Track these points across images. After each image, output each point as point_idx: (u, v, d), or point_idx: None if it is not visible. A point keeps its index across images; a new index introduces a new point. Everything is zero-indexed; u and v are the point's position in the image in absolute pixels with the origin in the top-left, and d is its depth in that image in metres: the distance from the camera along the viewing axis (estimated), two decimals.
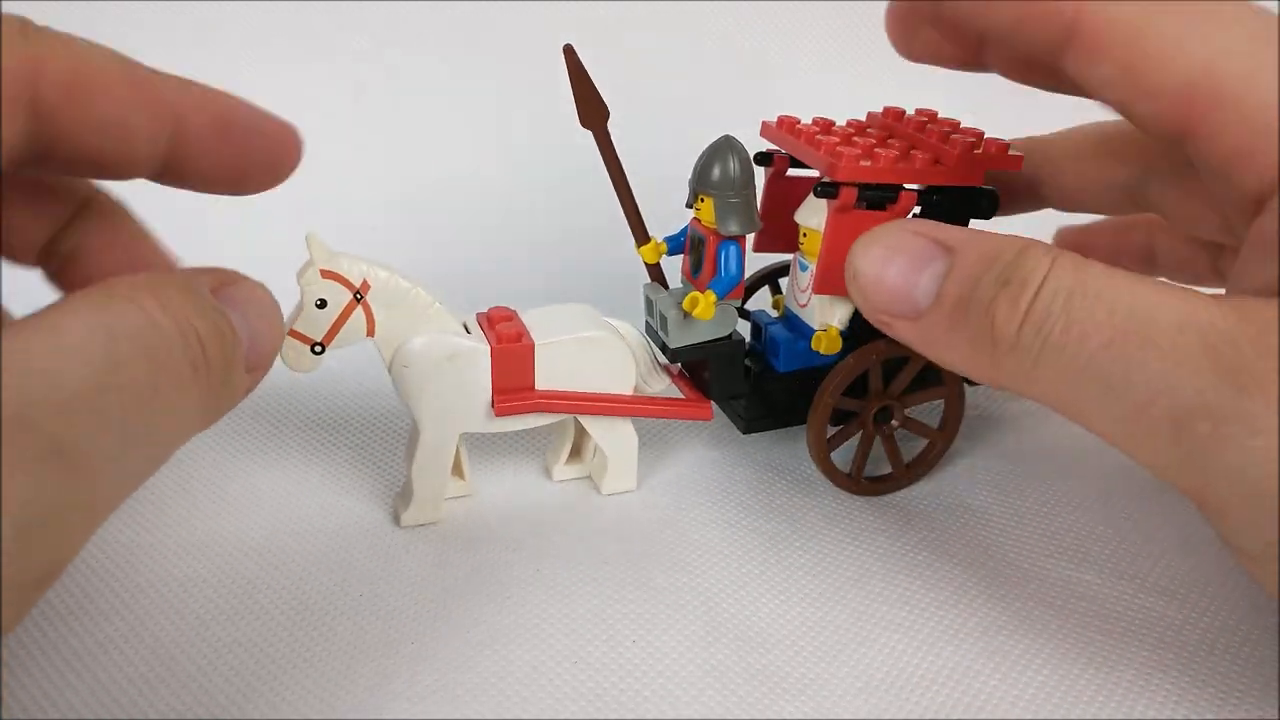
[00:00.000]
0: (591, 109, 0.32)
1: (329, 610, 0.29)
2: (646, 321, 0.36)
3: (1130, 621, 0.30)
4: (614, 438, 0.35)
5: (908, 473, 0.36)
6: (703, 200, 0.32)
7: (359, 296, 0.30)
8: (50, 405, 0.19)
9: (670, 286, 0.35)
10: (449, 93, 0.58)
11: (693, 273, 0.34)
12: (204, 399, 0.22)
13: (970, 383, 0.36)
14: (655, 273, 0.35)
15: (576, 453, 0.36)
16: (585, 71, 0.31)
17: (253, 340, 0.24)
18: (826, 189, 0.31)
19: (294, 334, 0.30)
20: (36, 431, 0.19)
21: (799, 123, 0.34)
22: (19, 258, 0.27)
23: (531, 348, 0.32)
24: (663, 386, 0.35)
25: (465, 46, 0.58)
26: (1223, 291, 0.26)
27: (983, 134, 0.33)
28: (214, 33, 0.55)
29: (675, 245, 0.35)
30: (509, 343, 0.32)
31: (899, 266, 0.27)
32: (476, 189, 0.56)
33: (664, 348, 0.34)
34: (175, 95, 0.25)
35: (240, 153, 0.26)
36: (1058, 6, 0.25)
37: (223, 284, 0.24)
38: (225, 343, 0.23)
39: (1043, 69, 0.28)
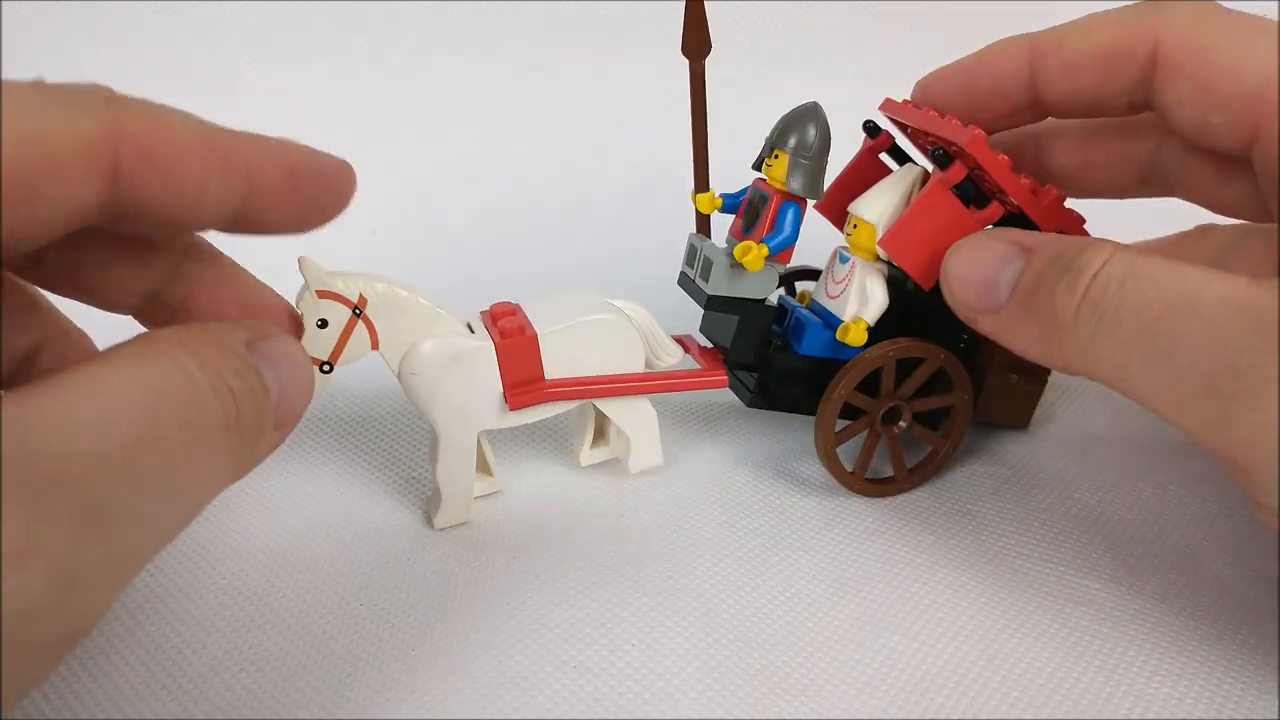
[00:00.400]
0: (696, 39, 0.32)
1: (328, 617, 0.29)
2: (682, 271, 0.36)
3: (1129, 626, 0.30)
4: (632, 417, 0.35)
5: (910, 478, 0.36)
6: (776, 156, 0.33)
7: (358, 312, 0.30)
8: (89, 462, 0.19)
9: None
10: (448, 93, 0.58)
11: (745, 230, 0.34)
12: (235, 456, 0.22)
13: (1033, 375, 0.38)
14: (703, 223, 0.36)
15: (600, 435, 0.37)
16: (703, 2, 0.32)
17: (283, 396, 0.24)
18: (945, 156, 0.32)
19: None
20: (74, 489, 0.19)
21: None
22: (116, 307, 0.28)
23: (535, 339, 0.32)
24: (675, 360, 0.35)
25: (464, 47, 0.58)
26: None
27: (1064, 196, 0.34)
28: (214, 33, 0.55)
29: (731, 204, 0.35)
30: (512, 337, 0.32)
31: (983, 266, 0.30)
32: (477, 188, 0.56)
33: (696, 295, 0.35)
34: (248, 154, 0.25)
35: (307, 199, 0.27)
36: (1141, 34, 0.29)
37: (257, 338, 0.24)
38: (257, 400, 0.23)
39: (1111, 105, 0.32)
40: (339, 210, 0.28)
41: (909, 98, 0.36)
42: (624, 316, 0.34)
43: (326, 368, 0.30)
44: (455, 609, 0.30)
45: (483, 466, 0.35)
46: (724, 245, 0.35)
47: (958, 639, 0.29)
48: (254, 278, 0.29)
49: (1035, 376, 0.38)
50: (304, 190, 0.27)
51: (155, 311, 0.28)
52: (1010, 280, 0.29)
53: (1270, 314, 0.24)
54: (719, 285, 0.34)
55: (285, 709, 0.26)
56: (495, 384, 0.32)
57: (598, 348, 0.33)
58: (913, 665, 0.28)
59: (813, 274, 0.40)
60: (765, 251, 0.32)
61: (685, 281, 0.36)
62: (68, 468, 0.19)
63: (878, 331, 0.34)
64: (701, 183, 0.35)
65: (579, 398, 0.34)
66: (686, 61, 0.33)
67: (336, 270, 0.30)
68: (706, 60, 0.33)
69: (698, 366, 0.36)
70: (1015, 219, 0.34)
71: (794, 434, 0.39)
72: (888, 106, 0.36)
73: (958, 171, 0.32)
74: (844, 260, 0.35)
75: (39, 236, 0.22)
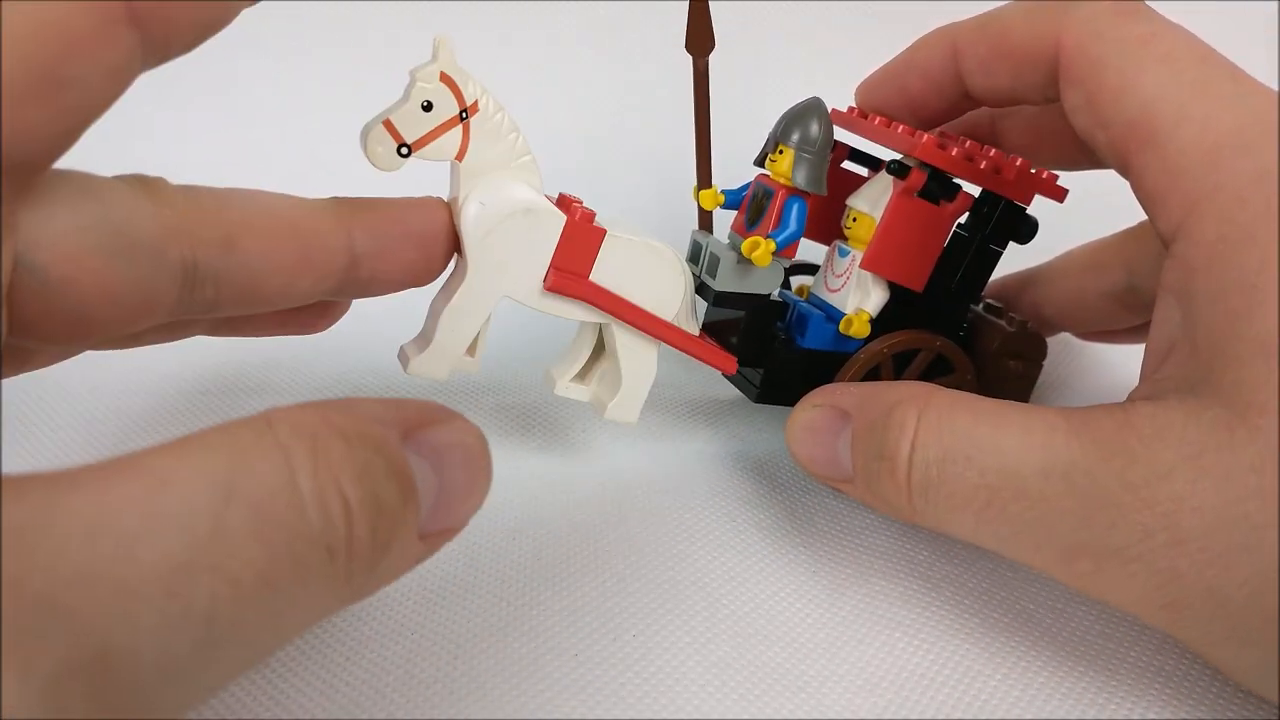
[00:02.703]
0: (700, 36, 0.32)
1: None
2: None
3: (1132, 624, 0.30)
4: (637, 362, 0.34)
5: None
6: (781, 152, 0.33)
7: (464, 115, 0.29)
8: (104, 588, 0.14)
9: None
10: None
11: (749, 226, 0.34)
12: (334, 589, 0.17)
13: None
14: (705, 220, 0.35)
15: (582, 376, 0.36)
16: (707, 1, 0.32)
17: (442, 502, 0.20)
18: (900, 168, 0.32)
19: (388, 125, 0.28)
20: (74, 626, 0.13)
21: (866, 114, 0.35)
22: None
23: (602, 234, 0.32)
24: (695, 332, 0.35)
25: (465, 47, 0.58)
26: None
27: (1030, 164, 0.34)
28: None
29: (733, 200, 0.35)
30: (586, 221, 0.31)
31: (818, 443, 0.30)
32: None
33: (703, 291, 0.35)
34: (340, 236, 0.27)
35: (407, 254, 0.28)
36: (1045, 35, 0.28)
37: (425, 423, 0.20)
38: (383, 516, 0.18)
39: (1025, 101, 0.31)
40: (436, 269, 0.30)
41: (853, 104, 0.36)
42: (678, 262, 0.33)
43: (405, 150, 0.29)
44: (452, 592, 0.30)
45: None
46: (727, 241, 0.35)
47: (959, 636, 0.29)
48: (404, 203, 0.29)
49: (1032, 360, 0.38)
50: (398, 249, 0.28)
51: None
52: (845, 453, 0.29)
53: (1091, 477, 0.24)
54: (726, 281, 0.34)
55: (279, 694, 0.26)
56: (546, 257, 0.31)
57: (645, 276, 0.33)
58: (913, 662, 0.28)
59: (809, 268, 0.40)
60: (773, 246, 0.32)
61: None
62: (67, 596, 0.13)
63: (880, 322, 0.35)
64: (704, 179, 0.35)
65: (610, 312, 0.33)
66: (689, 58, 0.33)
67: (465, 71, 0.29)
68: (710, 57, 0.33)
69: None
70: (991, 195, 0.34)
71: None
72: (835, 118, 0.36)
73: (918, 178, 0.32)
74: (843, 254, 0.35)
75: (94, 107, 0.20)
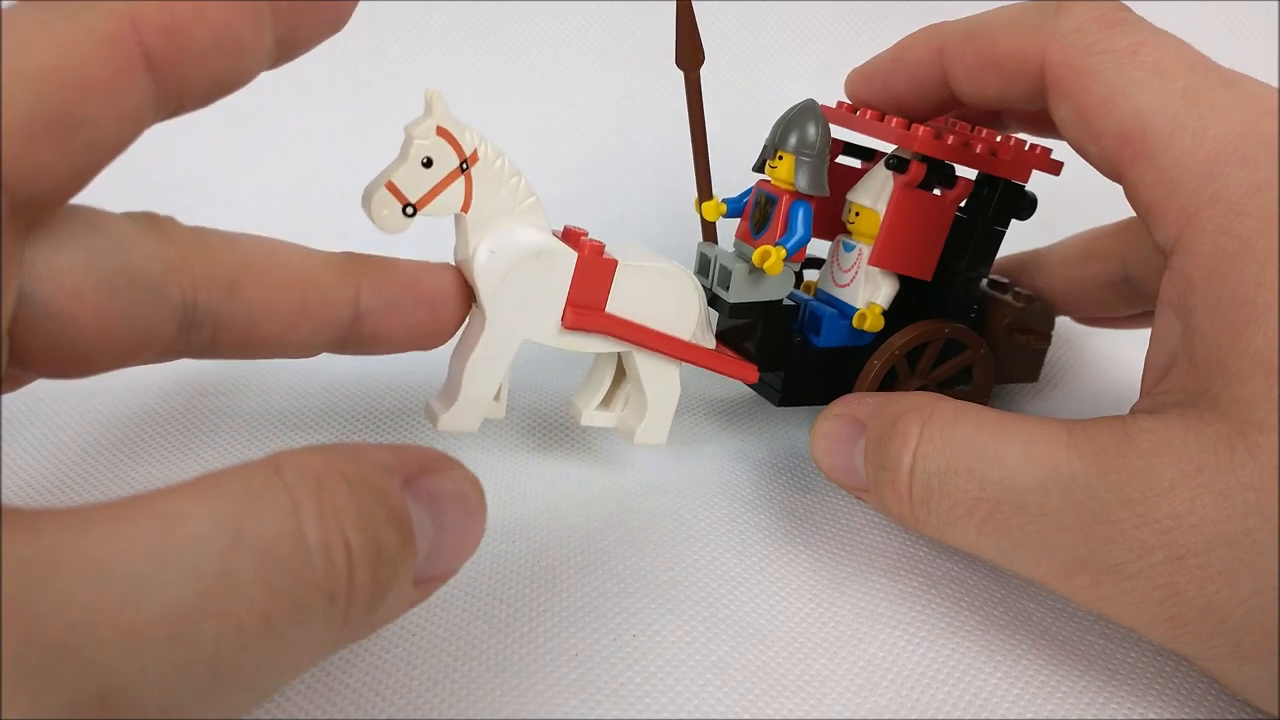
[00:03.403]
0: (689, 52, 0.32)
1: None
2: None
3: None
4: (662, 385, 0.34)
5: None
6: (781, 158, 0.33)
7: (465, 166, 0.28)
8: (110, 630, 0.14)
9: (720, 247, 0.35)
10: (448, 96, 0.58)
11: (754, 233, 0.34)
12: (331, 633, 0.18)
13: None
14: (710, 231, 0.35)
15: (606, 402, 0.35)
16: (693, 13, 0.32)
17: (438, 549, 0.20)
18: (899, 162, 0.32)
19: (390, 187, 0.28)
20: (81, 666, 0.14)
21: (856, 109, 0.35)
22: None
23: (614, 265, 0.31)
24: (711, 346, 0.35)
25: (464, 48, 0.58)
26: None
27: (1025, 141, 0.34)
28: None
29: (735, 208, 0.35)
30: (596, 255, 0.31)
31: (838, 452, 0.30)
32: None
33: (716, 304, 0.34)
34: (345, 290, 0.27)
35: (414, 315, 0.28)
36: (1032, 46, 0.28)
37: (424, 470, 0.20)
38: (383, 562, 0.18)
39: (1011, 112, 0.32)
40: (446, 332, 0.30)
41: (842, 99, 0.36)
42: (691, 281, 0.33)
43: (410, 210, 0.28)
44: (453, 593, 0.30)
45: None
46: (732, 249, 0.35)
47: (959, 635, 0.29)
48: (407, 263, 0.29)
49: (1042, 334, 0.39)
50: (407, 310, 0.29)
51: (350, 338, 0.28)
52: (862, 462, 0.29)
53: (1090, 492, 0.24)
54: (740, 293, 0.33)
55: (280, 697, 0.26)
56: (562, 296, 0.31)
57: (660, 300, 0.33)
58: (913, 661, 0.28)
59: (814, 263, 0.40)
60: (783, 254, 0.32)
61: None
62: (74, 636, 0.14)
63: (892, 311, 0.35)
64: (705, 191, 0.34)
65: (630, 341, 0.33)
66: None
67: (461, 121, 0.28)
68: (703, 66, 0.33)
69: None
70: (989, 177, 0.34)
71: (795, 429, 0.39)
72: (827, 115, 0.36)
73: (917, 170, 0.32)
74: (848, 248, 0.35)
75: (106, 150, 0.20)
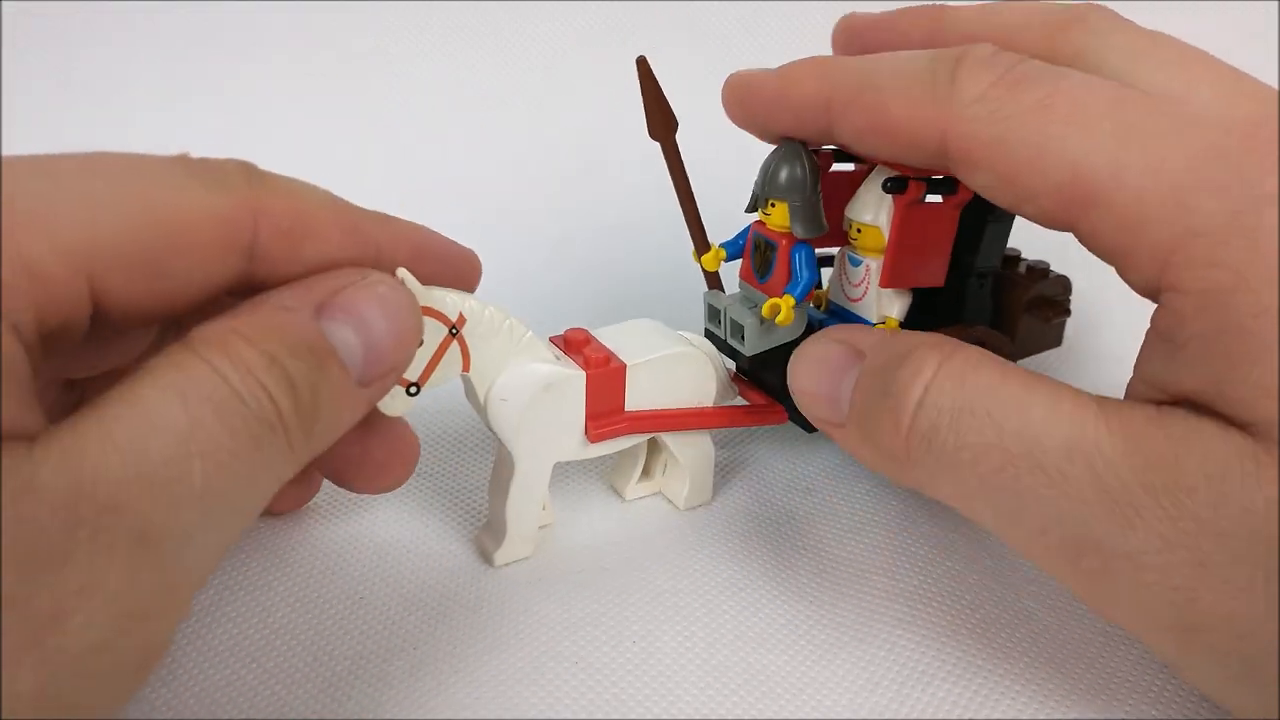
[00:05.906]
0: (660, 120, 0.32)
1: (326, 618, 0.29)
2: (707, 329, 0.35)
3: None
4: (695, 452, 0.34)
5: None
6: (773, 205, 0.32)
7: (454, 331, 0.28)
8: (134, 485, 0.18)
9: (725, 291, 0.35)
10: (448, 96, 0.58)
11: (759, 277, 0.34)
12: (283, 455, 0.21)
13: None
14: (713, 280, 0.35)
15: (645, 471, 0.36)
16: (656, 82, 0.31)
17: (373, 350, 0.23)
18: (897, 184, 0.31)
19: None
20: (122, 516, 0.18)
21: None
22: None
23: (623, 370, 0.31)
24: (734, 398, 0.35)
25: (464, 48, 0.58)
26: None
27: None
28: (214, 33, 0.56)
29: (734, 250, 0.34)
30: (600, 367, 0.31)
31: (824, 377, 0.28)
32: (479, 193, 0.56)
33: (732, 354, 0.34)
34: (378, 232, 0.26)
35: (432, 279, 0.27)
36: (926, 123, 0.25)
37: (336, 290, 0.23)
38: (304, 389, 0.21)
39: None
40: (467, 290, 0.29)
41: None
42: (703, 353, 0.33)
43: (414, 390, 0.28)
44: (457, 607, 0.30)
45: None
46: (738, 294, 0.34)
47: (960, 634, 0.29)
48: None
49: (1062, 306, 0.38)
50: (429, 271, 0.27)
51: None
52: (848, 392, 0.27)
53: (1114, 470, 0.22)
54: (755, 344, 0.33)
55: (284, 707, 0.26)
56: (580, 414, 0.31)
57: (677, 381, 0.33)
58: (914, 660, 0.28)
59: (822, 260, 0.39)
60: (793, 302, 0.31)
61: (713, 339, 0.35)
62: (116, 495, 0.18)
63: (909, 323, 0.34)
64: (701, 245, 0.34)
65: (657, 430, 0.33)
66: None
67: (432, 286, 0.28)
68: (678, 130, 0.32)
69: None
70: None
71: (793, 439, 0.39)
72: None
73: (916, 189, 0.31)
74: (855, 262, 0.34)
75: (175, 306, 0.22)
